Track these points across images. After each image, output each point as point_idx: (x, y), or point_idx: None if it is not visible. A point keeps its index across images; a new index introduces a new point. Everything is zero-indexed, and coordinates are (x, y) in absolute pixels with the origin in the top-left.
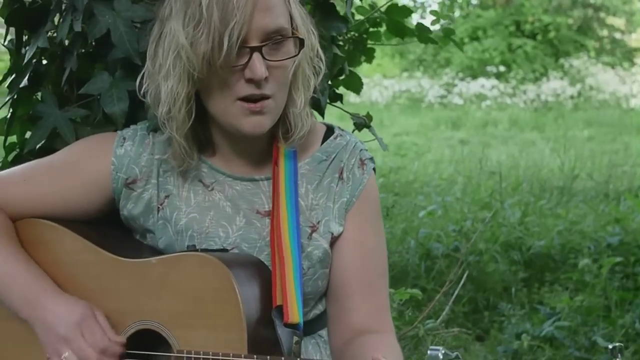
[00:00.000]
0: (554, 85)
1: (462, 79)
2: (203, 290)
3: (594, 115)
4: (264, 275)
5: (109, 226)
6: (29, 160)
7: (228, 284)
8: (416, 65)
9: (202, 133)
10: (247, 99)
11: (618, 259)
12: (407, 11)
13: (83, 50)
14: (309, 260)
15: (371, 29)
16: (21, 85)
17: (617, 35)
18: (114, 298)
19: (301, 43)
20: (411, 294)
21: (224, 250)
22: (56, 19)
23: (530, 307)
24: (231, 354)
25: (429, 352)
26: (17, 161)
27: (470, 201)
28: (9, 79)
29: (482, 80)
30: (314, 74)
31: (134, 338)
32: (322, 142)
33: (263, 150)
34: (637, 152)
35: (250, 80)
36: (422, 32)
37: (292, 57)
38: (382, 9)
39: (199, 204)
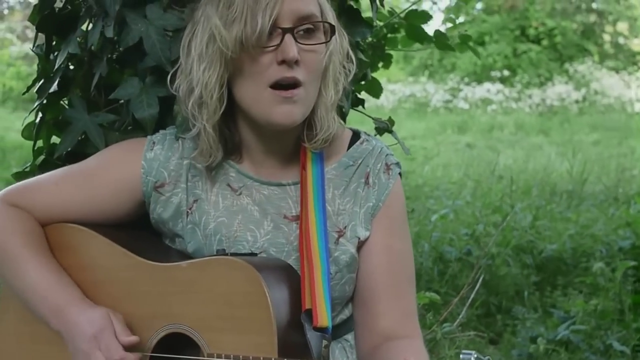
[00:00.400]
0: (559, 90)
1: (467, 84)
2: (233, 294)
3: (600, 119)
4: (292, 279)
5: (137, 230)
6: (57, 164)
7: (258, 288)
8: (421, 70)
9: (230, 136)
10: (278, 85)
11: (632, 263)
12: (426, 16)
13: (111, 56)
14: (336, 265)
15: (389, 35)
16: (50, 91)
17: (621, 40)
18: (144, 301)
19: (332, 31)
20: (430, 298)
21: (253, 254)
22: (84, 25)
23: (543, 310)
24: (261, 358)
25: (461, 356)
26: (44, 165)
27: (481, 205)
28: (37, 85)
29: (487, 85)
30: (344, 75)
31: (163, 341)
32: (349, 148)
33: (290, 152)
34: None
35: (282, 62)
36: (439, 39)
37: (323, 42)
38: (402, 15)
39: (227, 208)
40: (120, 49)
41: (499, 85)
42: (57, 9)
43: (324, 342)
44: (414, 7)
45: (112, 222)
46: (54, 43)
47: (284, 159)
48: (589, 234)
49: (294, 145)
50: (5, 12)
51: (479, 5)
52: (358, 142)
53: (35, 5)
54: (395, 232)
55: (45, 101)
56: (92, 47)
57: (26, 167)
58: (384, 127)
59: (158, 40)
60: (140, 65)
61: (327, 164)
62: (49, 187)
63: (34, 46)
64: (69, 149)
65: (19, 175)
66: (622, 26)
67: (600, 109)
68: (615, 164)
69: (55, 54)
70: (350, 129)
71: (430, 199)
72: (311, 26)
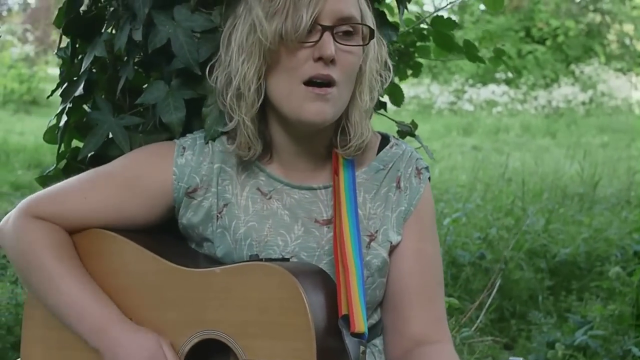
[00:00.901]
0: (565, 92)
1: (471, 85)
2: (269, 300)
3: (607, 121)
4: (328, 284)
5: (163, 234)
6: (80, 168)
7: (295, 293)
8: (425, 71)
9: (262, 133)
10: (312, 82)
11: None
12: (452, 24)
13: (137, 59)
14: (367, 270)
15: (419, 43)
16: (76, 94)
17: (626, 41)
18: (176, 307)
19: (371, 34)
20: (449, 303)
21: (285, 259)
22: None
23: (558, 315)
24: None
25: None
26: (66, 168)
27: (492, 208)
28: (61, 89)
29: (492, 87)
30: (381, 83)
31: (196, 348)
32: (378, 152)
33: (320, 155)
34: None
35: (318, 59)
36: (469, 50)
37: (361, 45)
38: (428, 21)
39: (257, 213)
40: (149, 51)
41: (504, 87)
42: (81, 12)
43: (362, 348)
44: (439, 13)
45: (139, 228)
46: (77, 46)
47: (314, 162)
48: (603, 237)
49: (325, 149)
50: (4, 13)
51: (483, 6)
52: (388, 146)
53: (60, 9)
54: (426, 236)
55: (70, 104)
56: (119, 50)
57: (49, 171)
58: (407, 131)
59: (186, 42)
60: (167, 68)
61: (357, 168)
62: (76, 198)
63: (57, 49)
64: (93, 152)
65: (43, 180)
66: (628, 27)
67: (607, 111)
68: (626, 167)
69: (80, 57)
70: (379, 132)
71: (441, 202)
72: (350, 28)
